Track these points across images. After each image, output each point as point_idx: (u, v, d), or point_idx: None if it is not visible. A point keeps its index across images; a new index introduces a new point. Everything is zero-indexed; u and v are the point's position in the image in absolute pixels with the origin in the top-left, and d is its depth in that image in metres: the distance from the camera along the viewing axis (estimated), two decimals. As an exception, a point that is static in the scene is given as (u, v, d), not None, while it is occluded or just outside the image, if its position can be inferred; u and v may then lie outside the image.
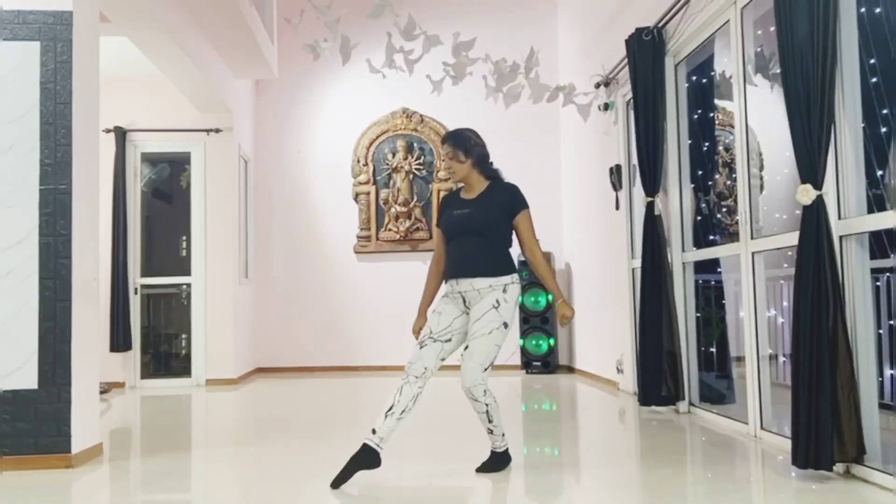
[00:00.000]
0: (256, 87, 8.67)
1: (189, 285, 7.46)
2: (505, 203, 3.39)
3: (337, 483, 3.17)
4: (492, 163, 3.51)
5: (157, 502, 3.38)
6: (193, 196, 7.49)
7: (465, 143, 3.41)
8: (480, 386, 3.26)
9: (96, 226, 4.19)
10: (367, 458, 3.21)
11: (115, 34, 5.49)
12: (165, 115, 7.44)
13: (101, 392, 6.22)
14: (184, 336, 7.60)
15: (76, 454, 3.76)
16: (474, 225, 3.35)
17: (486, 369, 3.26)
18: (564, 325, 3.42)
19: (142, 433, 5.13)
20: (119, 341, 7.12)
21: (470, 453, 3.74)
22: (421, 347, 3.32)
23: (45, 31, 3.85)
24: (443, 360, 3.34)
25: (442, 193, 8.42)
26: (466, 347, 3.31)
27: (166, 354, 7.74)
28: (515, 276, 3.38)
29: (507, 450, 3.48)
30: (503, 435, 3.45)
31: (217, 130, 7.44)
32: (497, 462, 3.46)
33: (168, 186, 7.93)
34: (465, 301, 3.36)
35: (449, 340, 3.34)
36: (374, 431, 3.23)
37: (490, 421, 3.35)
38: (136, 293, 7.36)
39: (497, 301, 3.29)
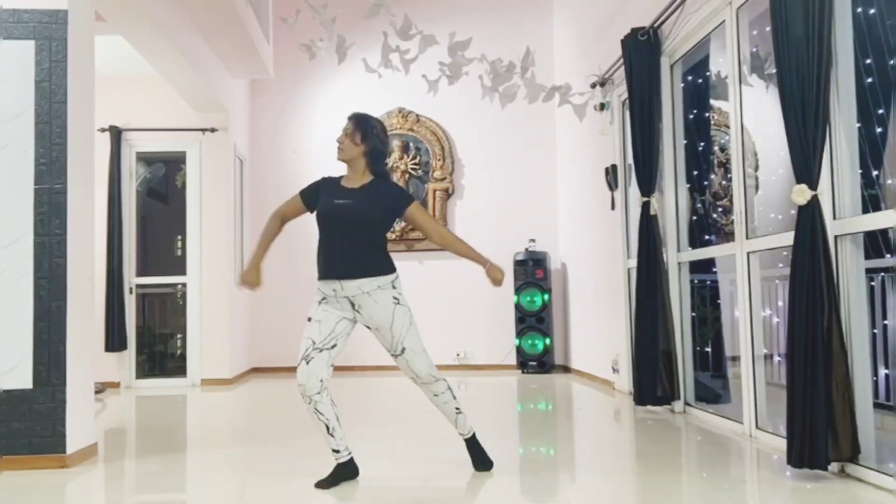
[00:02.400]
0: (252, 86, 8.65)
1: (184, 285, 7.44)
2: (388, 204, 3.27)
3: (322, 485, 3.21)
4: (386, 164, 3.44)
5: (152, 503, 3.37)
6: (189, 196, 7.47)
7: (367, 129, 3.27)
8: (433, 367, 3.34)
9: (91, 225, 4.18)
10: (345, 471, 3.29)
11: (111, 33, 5.48)
12: (161, 115, 7.42)
13: (96, 392, 6.21)
14: (179, 336, 7.58)
15: (71, 454, 3.75)
16: (355, 218, 3.19)
17: (425, 352, 3.32)
18: (499, 286, 3.31)
19: (137, 433, 5.11)
20: (114, 341, 7.10)
21: (465, 454, 3.74)
22: (308, 362, 3.15)
23: (41, 29, 3.84)
24: (332, 366, 3.24)
25: (438, 193, 8.43)
26: (401, 352, 3.27)
27: (161, 354, 7.72)
28: (396, 272, 3.31)
29: (474, 433, 3.48)
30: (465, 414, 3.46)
31: (213, 130, 7.43)
32: (480, 451, 3.46)
33: (163, 186, 7.91)
34: (353, 305, 3.22)
35: (334, 346, 3.22)
36: (336, 451, 3.26)
37: (454, 398, 3.39)
38: (131, 293, 7.34)
39: (394, 297, 3.24)
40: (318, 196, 3.34)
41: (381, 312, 3.22)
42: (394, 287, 3.25)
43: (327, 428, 3.22)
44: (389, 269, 3.26)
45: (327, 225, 3.25)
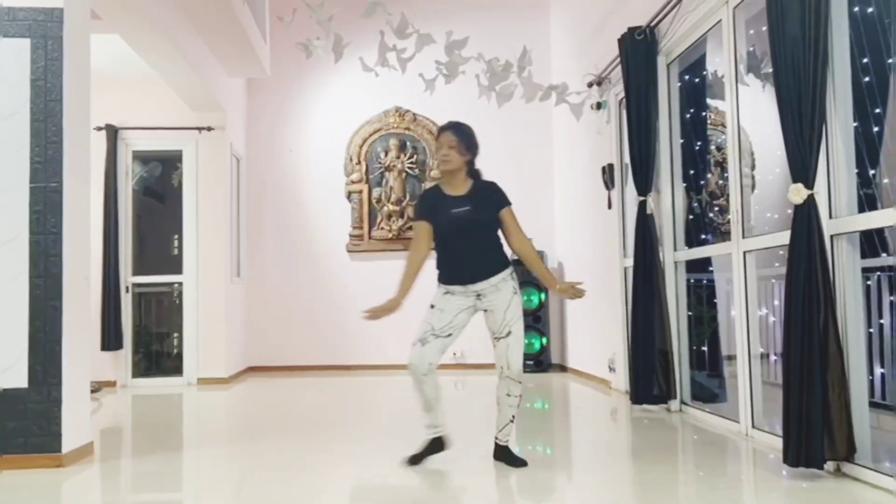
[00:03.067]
0: (249, 85, 8.64)
1: (181, 284, 7.43)
2: (494, 201, 3.52)
3: (412, 461, 3.48)
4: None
5: (149, 502, 3.37)
6: (185, 194, 7.46)
7: (469, 140, 3.52)
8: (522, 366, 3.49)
9: (87, 224, 4.16)
10: (434, 446, 3.54)
11: (107, 32, 5.46)
12: (157, 113, 7.40)
13: (92, 391, 6.18)
14: (175, 335, 7.57)
15: (67, 454, 3.74)
16: (476, 223, 3.44)
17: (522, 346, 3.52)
18: (581, 294, 3.47)
19: (133, 432, 5.11)
20: (110, 340, 7.08)
21: (462, 452, 3.74)
22: (423, 345, 3.38)
23: (36, 28, 3.83)
24: (443, 353, 3.42)
25: (435, 192, 8.42)
26: (506, 335, 3.41)
27: (158, 353, 7.70)
28: (512, 264, 3.54)
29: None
30: None
31: (209, 129, 7.42)
32: (512, 455, 3.58)
33: (160, 185, 7.90)
34: (478, 295, 3.44)
35: (449, 335, 3.43)
36: (433, 426, 3.50)
37: (518, 406, 3.52)
38: (127, 292, 7.32)
39: (514, 288, 3.46)
40: (434, 212, 3.51)
41: (503, 298, 3.43)
42: (513, 279, 3.48)
43: (424, 404, 3.46)
44: (508, 263, 3.51)
45: (451, 234, 3.47)
